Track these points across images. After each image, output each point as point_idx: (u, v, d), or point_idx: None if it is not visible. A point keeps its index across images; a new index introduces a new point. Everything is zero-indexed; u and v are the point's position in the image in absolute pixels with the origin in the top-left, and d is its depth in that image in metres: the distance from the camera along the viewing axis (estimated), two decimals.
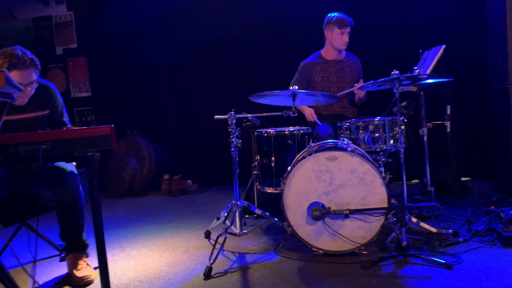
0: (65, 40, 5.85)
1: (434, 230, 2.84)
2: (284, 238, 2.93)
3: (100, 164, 5.01)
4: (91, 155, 2.20)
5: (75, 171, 2.67)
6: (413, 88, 3.38)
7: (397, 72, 2.82)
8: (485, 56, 4.12)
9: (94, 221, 2.17)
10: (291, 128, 3.23)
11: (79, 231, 2.69)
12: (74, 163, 2.71)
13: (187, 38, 5.21)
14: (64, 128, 2.80)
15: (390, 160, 3.12)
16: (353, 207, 2.63)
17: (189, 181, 4.99)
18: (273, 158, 3.17)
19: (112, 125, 2.12)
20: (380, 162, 3.05)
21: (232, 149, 2.95)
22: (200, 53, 5.19)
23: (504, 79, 3.63)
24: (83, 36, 5.75)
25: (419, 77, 2.88)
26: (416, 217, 2.97)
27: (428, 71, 3.33)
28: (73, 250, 2.69)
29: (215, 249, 2.70)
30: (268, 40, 4.95)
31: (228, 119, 2.92)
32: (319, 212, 2.62)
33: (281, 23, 4.88)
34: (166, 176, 4.97)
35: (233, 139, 2.93)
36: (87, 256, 2.73)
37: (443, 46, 3.37)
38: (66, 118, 2.93)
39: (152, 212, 4.26)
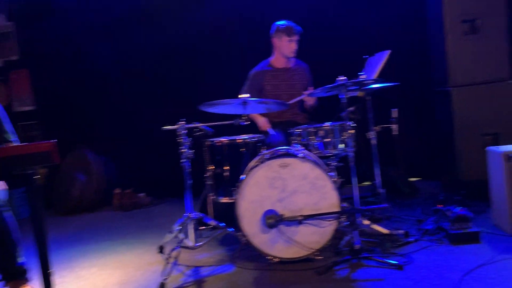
0: (6, 51, 5.56)
1: (385, 231, 2.89)
2: (239, 248, 2.89)
3: (46, 181, 4.78)
4: (31, 173, 2.08)
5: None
6: (360, 93, 3.45)
7: (344, 78, 2.88)
8: (428, 60, 4.29)
9: (37, 243, 2.05)
10: (244, 136, 3.20)
11: (11, 260, 2.51)
12: (2, 186, 2.52)
13: (135, 46, 5.09)
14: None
15: (341, 164, 3.17)
16: (306, 213, 2.63)
17: (142, 194, 4.86)
18: (226, 167, 3.13)
19: (55, 140, 2.02)
20: (332, 167, 3.09)
21: (183, 160, 2.89)
22: (150, 62, 5.09)
23: (446, 82, 3.79)
24: (25, 47, 5.49)
25: (364, 82, 2.95)
26: (368, 219, 3.03)
27: (374, 76, 3.42)
28: (10, 279, 2.52)
29: (168, 264, 2.62)
30: (218, 48, 4.93)
31: (178, 130, 2.86)
32: (273, 220, 2.61)
33: (230, 31, 4.88)
34: (117, 190, 4.82)
35: (184, 150, 2.87)
36: (28, 281, 2.56)
37: (388, 52, 3.47)
38: (12, 137, 2.74)
39: (103, 228, 4.10)
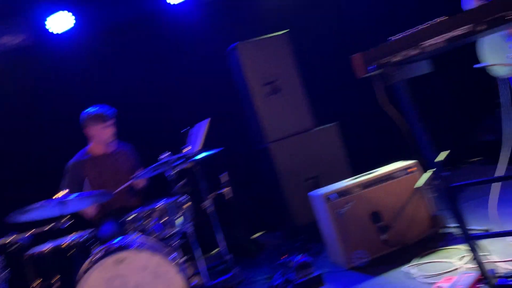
0: None
1: None
2: None
3: None
4: None
5: None
6: (189, 165, 3.47)
7: (168, 154, 2.87)
8: (246, 121, 4.59)
9: None
10: (71, 237, 2.86)
11: None
12: None
13: None
14: None
15: (184, 241, 3.08)
16: None
17: None
18: (56, 278, 2.73)
19: None
20: (174, 246, 2.97)
21: None
22: None
23: (263, 140, 4.10)
24: None
25: (188, 155, 2.97)
26: None
27: (198, 146, 3.48)
28: None
29: None
30: (25, 143, 4.42)
31: None
32: None
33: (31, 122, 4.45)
34: None
35: None
36: None
37: (208, 120, 3.59)
38: None
39: None
